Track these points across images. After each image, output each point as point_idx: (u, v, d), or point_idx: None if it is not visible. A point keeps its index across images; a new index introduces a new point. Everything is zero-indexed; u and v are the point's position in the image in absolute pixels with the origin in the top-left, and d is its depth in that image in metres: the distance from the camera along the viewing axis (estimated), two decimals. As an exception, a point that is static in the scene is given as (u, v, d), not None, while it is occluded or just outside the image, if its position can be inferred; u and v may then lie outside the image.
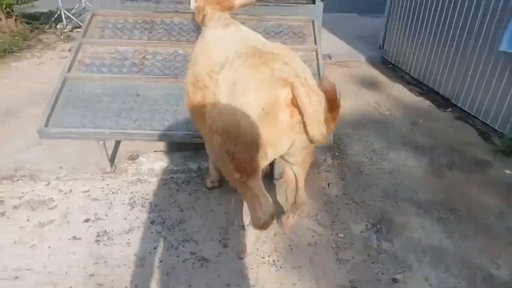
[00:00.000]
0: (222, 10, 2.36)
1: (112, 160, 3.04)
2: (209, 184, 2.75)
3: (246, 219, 2.49)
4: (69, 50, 3.14)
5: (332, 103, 1.64)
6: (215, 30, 2.13)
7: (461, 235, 2.44)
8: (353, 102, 4.38)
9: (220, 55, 1.76)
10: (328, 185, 2.89)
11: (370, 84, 4.94)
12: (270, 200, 1.79)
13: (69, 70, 2.96)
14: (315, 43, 3.23)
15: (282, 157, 1.88)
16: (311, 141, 1.64)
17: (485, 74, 3.71)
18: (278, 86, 1.51)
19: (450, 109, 4.23)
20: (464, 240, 2.40)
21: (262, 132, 1.54)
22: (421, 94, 4.64)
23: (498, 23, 3.53)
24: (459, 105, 4.13)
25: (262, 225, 1.78)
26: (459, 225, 2.52)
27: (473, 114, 3.93)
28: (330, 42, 6.33)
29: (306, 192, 2.17)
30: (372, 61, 5.80)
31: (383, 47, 5.84)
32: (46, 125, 2.66)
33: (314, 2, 3.51)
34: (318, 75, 3.02)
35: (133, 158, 3.02)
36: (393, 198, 2.76)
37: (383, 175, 3.03)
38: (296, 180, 2.06)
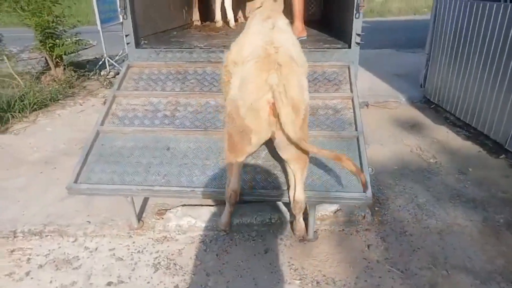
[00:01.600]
0: None
1: (140, 215, 2.98)
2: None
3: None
4: (104, 103, 3.19)
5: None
6: (258, 19, 2.44)
7: (529, 316, 2.08)
8: (393, 147, 4.12)
9: (246, 50, 2.17)
10: (368, 247, 2.63)
11: (412, 127, 4.66)
12: (238, 182, 2.39)
13: (102, 123, 2.99)
14: (351, 91, 3.08)
15: (278, 152, 2.26)
16: (288, 139, 2.06)
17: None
18: (265, 91, 1.97)
19: (503, 155, 3.85)
20: (533, 324, 2.04)
21: (249, 121, 2.05)
22: (468, 138, 4.30)
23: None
24: (514, 151, 3.75)
25: (229, 197, 2.42)
26: (526, 302, 2.17)
27: (531, 162, 3.54)
28: (367, 81, 6.17)
29: (303, 190, 2.36)
30: (413, 101, 5.53)
31: (424, 86, 5.56)
32: (76, 181, 2.65)
33: (350, 46, 3.40)
34: (355, 124, 2.85)
35: (161, 213, 2.94)
36: (443, 266, 2.44)
37: (430, 236, 2.73)
38: (294, 178, 2.32)
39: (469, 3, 4.37)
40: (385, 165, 3.75)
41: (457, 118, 4.69)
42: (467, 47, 4.42)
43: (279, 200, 2.58)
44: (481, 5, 4.16)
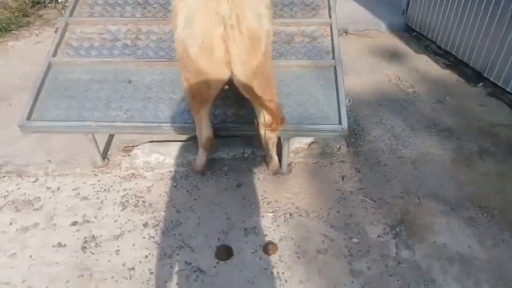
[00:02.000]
0: None
1: (104, 153, 2.82)
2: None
3: (249, 218, 2.26)
4: (55, 31, 2.85)
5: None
6: None
7: (494, 240, 2.13)
8: (371, 77, 3.98)
9: None
10: (342, 178, 2.60)
11: (391, 56, 4.49)
12: (210, 128, 2.23)
13: (54, 54, 2.69)
14: (330, 16, 2.83)
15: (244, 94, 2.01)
16: (239, 83, 1.86)
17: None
18: (216, 24, 1.67)
19: (481, 84, 3.78)
20: (498, 247, 2.09)
21: (202, 62, 1.79)
22: (448, 66, 4.18)
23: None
24: (492, 79, 3.66)
25: (203, 144, 2.28)
26: (493, 227, 2.21)
27: (508, 90, 3.48)
28: (346, 7, 5.78)
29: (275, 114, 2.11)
30: (394, 29, 5.27)
31: (406, 13, 5.28)
32: (29, 118, 2.43)
33: (328, -34, 3.07)
34: (332, 54, 2.65)
35: (127, 150, 2.78)
36: (415, 194, 2.45)
37: (404, 165, 2.71)
38: (260, 100, 2.02)
39: None
40: (362, 96, 3.63)
41: (438, 46, 4.52)
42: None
43: (252, 135, 2.45)
44: None
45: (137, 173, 2.60)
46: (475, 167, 2.70)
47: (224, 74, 1.86)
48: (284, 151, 2.55)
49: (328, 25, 2.80)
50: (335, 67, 2.58)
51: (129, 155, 2.73)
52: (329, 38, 2.75)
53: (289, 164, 2.70)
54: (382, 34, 5.19)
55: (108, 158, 2.75)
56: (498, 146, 2.88)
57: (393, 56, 4.49)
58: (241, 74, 1.82)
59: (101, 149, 2.75)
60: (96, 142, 2.61)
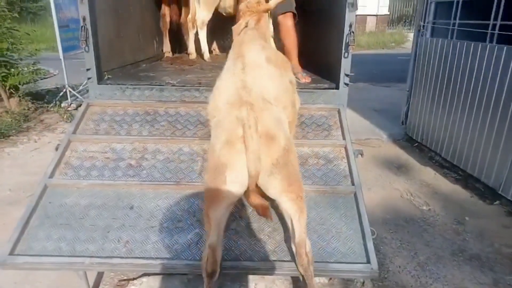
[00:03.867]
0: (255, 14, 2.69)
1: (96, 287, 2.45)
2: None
3: None
4: (56, 149, 2.69)
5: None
6: (231, 58, 2.27)
7: None
8: (382, 192, 3.82)
9: (220, 100, 2.00)
10: (372, 325, 2.23)
11: (398, 168, 4.41)
12: (218, 237, 1.92)
13: (51, 175, 2.48)
14: (344, 137, 2.75)
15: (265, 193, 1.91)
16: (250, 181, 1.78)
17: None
18: (237, 126, 1.78)
19: (497, 201, 3.63)
20: None
21: (223, 156, 1.79)
22: (458, 181, 4.07)
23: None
24: (509, 197, 3.51)
25: (205, 261, 1.92)
26: None
27: (529, 210, 3.31)
28: (346, 118, 5.92)
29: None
30: (395, 139, 5.33)
31: (405, 123, 5.40)
32: (12, 252, 2.11)
33: (338, 87, 3.11)
34: (350, 177, 2.50)
35: (122, 286, 2.42)
36: None
37: (440, 306, 2.37)
38: (291, 221, 1.93)
39: (452, 42, 4.27)
40: (376, 214, 3.42)
41: (443, 158, 4.48)
42: (451, 86, 4.28)
43: (269, 274, 2.15)
44: (465, 44, 4.05)
45: (131, 318, 2.21)
46: (519, 309, 2.37)
47: (241, 168, 1.77)
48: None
49: (343, 146, 2.71)
50: (355, 194, 2.40)
51: (124, 293, 2.36)
52: (345, 160, 2.63)
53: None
54: (384, 144, 5.23)
55: (98, 297, 2.37)
56: (537, 280, 2.59)
57: (400, 168, 4.41)
58: (256, 169, 1.75)
59: (91, 283, 2.38)
60: (87, 279, 2.26)
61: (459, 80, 4.14)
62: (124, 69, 3.66)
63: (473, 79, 3.90)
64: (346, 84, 3.10)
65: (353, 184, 2.44)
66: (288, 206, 1.90)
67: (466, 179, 4.05)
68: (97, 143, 2.72)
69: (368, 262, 2.06)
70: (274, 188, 1.87)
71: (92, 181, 2.47)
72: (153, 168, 2.58)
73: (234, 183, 1.80)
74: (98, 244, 2.18)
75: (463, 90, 4.07)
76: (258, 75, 2.04)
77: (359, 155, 2.79)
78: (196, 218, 2.29)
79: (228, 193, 1.83)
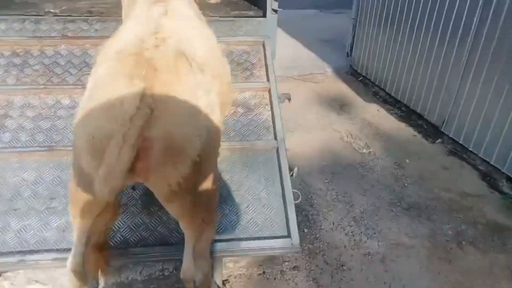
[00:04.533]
0: None
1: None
2: None
3: None
4: None
5: None
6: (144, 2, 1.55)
7: None
8: (321, 135, 3.47)
9: (116, 46, 1.32)
10: (297, 297, 1.95)
11: (341, 106, 4.05)
12: (83, 251, 1.40)
13: None
14: (268, 78, 2.25)
15: None
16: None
17: (487, 94, 2.84)
18: (119, 116, 1.07)
19: (439, 140, 3.41)
20: None
21: (85, 161, 1.17)
22: (401, 118, 3.80)
23: (508, 18, 2.62)
24: (451, 135, 3.30)
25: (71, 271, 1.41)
26: None
27: (470, 149, 3.11)
28: (289, 49, 5.36)
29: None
30: (340, 73, 4.90)
31: (351, 55, 4.95)
32: None
33: (265, 15, 2.53)
34: (273, 129, 2.06)
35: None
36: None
37: (373, 266, 2.14)
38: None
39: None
40: (313, 161, 3.08)
41: (388, 93, 4.16)
42: (398, 14, 3.80)
43: (170, 259, 1.74)
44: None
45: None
46: (456, 261, 2.19)
47: (116, 181, 1.10)
48: (217, 273, 1.84)
49: (267, 90, 2.22)
50: (277, 150, 1.97)
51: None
52: (268, 108, 2.16)
53: (226, 280, 2.01)
54: (327, 79, 4.80)
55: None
56: (475, 227, 2.42)
57: (342, 107, 4.04)
58: (108, 192, 1.11)
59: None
60: None
61: (407, 8, 3.65)
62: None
63: (425, 8, 3.42)
64: (275, 11, 2.52)
65: (275, 138, 2.01)
66: (186, 232, 1.45)
67: (409, 116, 3.78)
68: None
69: (289, 235, 1.70)
70: (171, 211, 1.36)
71: None
72: (19, 129, 1.97)
73: (105, 195, 1.14)
74: None
75: (411, 19, 3.61)
76: (180, 25, 1.46)
77: (286, 100, 2.33)
78: (75, 193, 1.78)
79: (95, 204, 1.32)
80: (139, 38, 1.29)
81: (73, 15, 2.49)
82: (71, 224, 1.68)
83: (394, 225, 2.44)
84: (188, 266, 1.48)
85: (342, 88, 4.50)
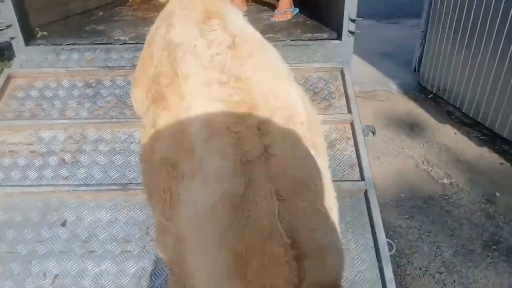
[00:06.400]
0: None
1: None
2: None
3: None
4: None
5: None
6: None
7: None
8: (394, 162, 3.19)
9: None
10: None
11: (411, 128, 3.73)
12: None
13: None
14: (349, 110, 2.05)
15: None
16: None
17: None
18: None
19: (534, 169, 3.00)
20: None
21: None
22: (483, 143, 3.41)
23: None
24: (548, 164, 2.89)
25: None
26: None
27: None
28: (349, 65, 5.12)
29: None
30: (406, 90, 4.56)
31: (418, 70, 4.60)
32: None
33: (340, 38, 2.35)
34: (359, 167, 1.85)
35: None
36: None
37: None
38: None
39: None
40: (387, 192, 2.82)
41: (464, 114, 3.78)
42: (478, 25, 3.44)
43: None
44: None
45: None
46: None
47: None
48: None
49: (348, 123, 2.02)
50: (365, 193, 1.76)
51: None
52: (352, 143, 1.96)
53: None
54: (393, 96, 4.48)
55: None
56: None
57: (413, 128, 3.73)
58: None
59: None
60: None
61: (489, 18, 3.29)
62: (67, 22, 2.84)
63: (508, 16, 3.06)
64: (352, 33, 2.34)
65: (362, 178, 1.80)
66: None
67: (493, 140, 3.38)
68: (20, 131, 2.03)
69: (386, 299, 1.48)
70: None
71: (10, 189, 1.83)
72: (93, 164, 1.92)
73: None
74: (17, 280, 1.59)
75: (494, 31, 3.25)
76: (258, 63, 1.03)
77: (371, 133, 2.11)
78: (150, 237, 1.69)
79: None
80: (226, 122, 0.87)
81: (142, 42, 2.45)
82: (147, 271, 1.60)
83: (493, 274, 2.12)
84: None
85: (411, 107, 4.17)
